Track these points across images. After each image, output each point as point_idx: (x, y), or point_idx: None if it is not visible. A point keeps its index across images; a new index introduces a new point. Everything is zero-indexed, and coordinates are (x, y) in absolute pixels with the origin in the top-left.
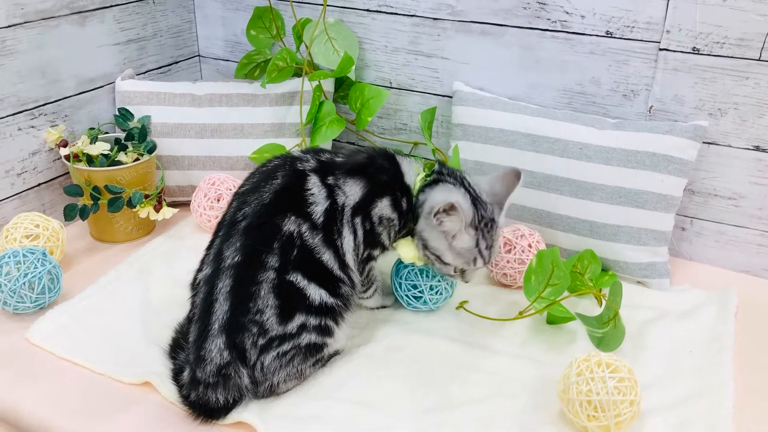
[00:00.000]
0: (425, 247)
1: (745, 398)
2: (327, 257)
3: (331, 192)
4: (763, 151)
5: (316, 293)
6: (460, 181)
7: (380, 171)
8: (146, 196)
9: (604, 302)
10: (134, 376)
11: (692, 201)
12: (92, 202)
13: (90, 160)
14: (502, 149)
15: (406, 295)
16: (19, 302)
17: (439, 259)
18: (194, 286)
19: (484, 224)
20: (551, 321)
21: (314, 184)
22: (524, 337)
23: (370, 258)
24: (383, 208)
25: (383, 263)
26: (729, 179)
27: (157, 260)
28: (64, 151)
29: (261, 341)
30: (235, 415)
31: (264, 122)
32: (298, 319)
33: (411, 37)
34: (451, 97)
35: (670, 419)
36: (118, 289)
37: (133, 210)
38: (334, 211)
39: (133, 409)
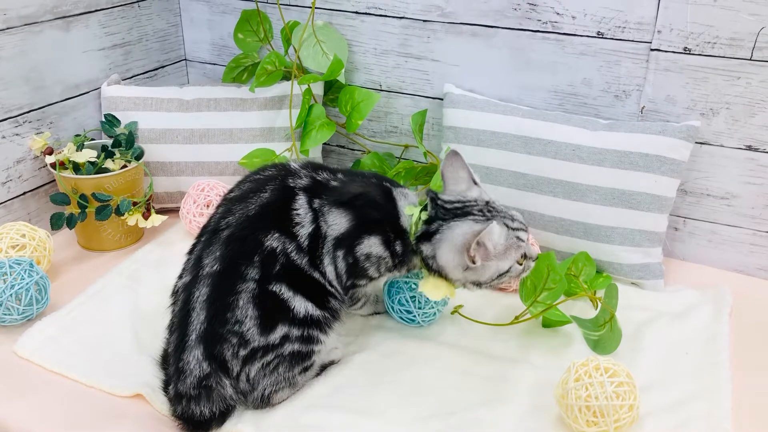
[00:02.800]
0: (478, 285)
1: (742, 399)
2: (317, 276)
3: (316, 216)
4: (755, 150)
5: (302, 306)
6: (444, 213)
7: (370, 206)
8: (134, 204)
9: (599, 305)
10: (125, 389)
11: (685, 201)
12: (79, 211)
13: (76, 167)
14: (494, 151)
15: (400, 317)
16: (5, 314)
17: (501, 276)
18: (174, 293)
19: (491, 215)
20: (547, 324)
21: (301, 205)
22: (520, 341)
23: (355, 286)
24: (372, 246)
25: None
26: (721, 179)
27: (147, 268)
28: (50, 159)
29: (242, 352)
30: (229, 426)
31: (253, 127)
32: (281, 330)
33: (401, 39)
34: (441, 99)
35: (668, 422)
36: (108, 299)
37: (122, 218)
38: (317, 238)
39: (124, 423)
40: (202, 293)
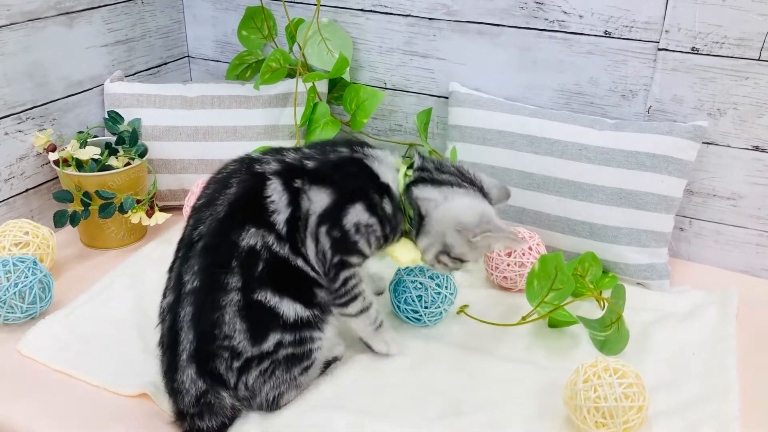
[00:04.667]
0: (446, 253)
1: (750, 400)
2: (301, 263)
3: (294, 197)
4: (762, 151)
5: (291, 309)
6: (470, 181)
7: (348, 177)
8: (138, 201)
9: (605, 305)
10: (130, 388)
11: (691, 201)
12: (83, 208)
13: (80, 164)
14: (500, 150)
15: (406, 317)
16: (9, 313)
17: (458, 261)
18: (160, 314)
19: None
20: (553, 324)
21: (275, 189)
22: (527, 342)
23: (345, 264)
24: (358, 214)
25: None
26: (728, 179)
27: (150, 266)
28: (52, 156)
29: (236, 364)
30: (235, 428)
31: (257, 124)
32: (273, 338)
33: (406, 37)
34: (447, 98)
35: (677, 423)
36: (112, 297)
37: (125, 215)
38: (296, 219)
39: (129, 422)
40: (186, 312)
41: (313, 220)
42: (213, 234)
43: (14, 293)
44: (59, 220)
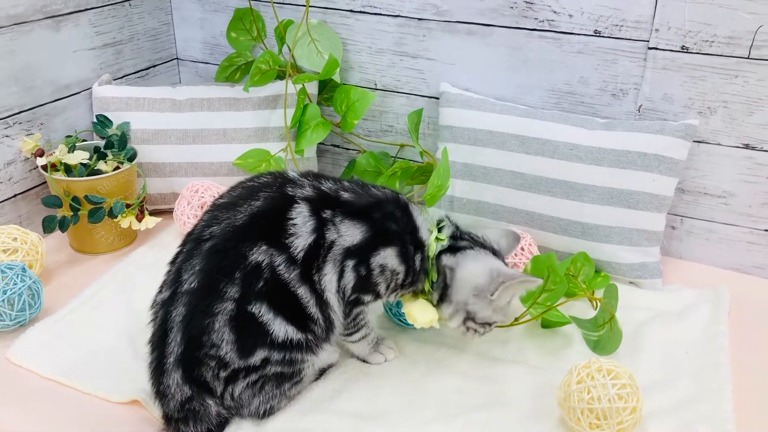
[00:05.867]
0: (472, 320)
1: (743, 399)
2: (302, 292)
3: (321, 226)
4: (753, 149)
5: (281, 329)
6: (480, 244)
7: (388, 218)
8: (128, 206)
9: (597, 305)
10: (121, 394)
11: (682, 199)
12: (72, 213)
13: (68, 169)
14: (491, 151)
15: (399, 320)
16: None
17: (486, 325)
18: (152, 307)
19: None
20: (546, 325)
21: (300, 213)
22: (520, 342)
23: (359, 302)
24: (388, 257)
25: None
26: (719, 177)
27: (141, 271)
28: (40, 161)
29: (223, 373)
30: None
31: (247, 127)
32: (261, 354)
33: (396, 37)
34: (437, 98)
35: (671, 423)
36: (102, 303)
37: (115, 220)
38: (319, 247)
39: (121, 429)
40: (178, 312)
41: (338, 251)
42: (225, 239)
43: (3, 300)
44: (48, 226)
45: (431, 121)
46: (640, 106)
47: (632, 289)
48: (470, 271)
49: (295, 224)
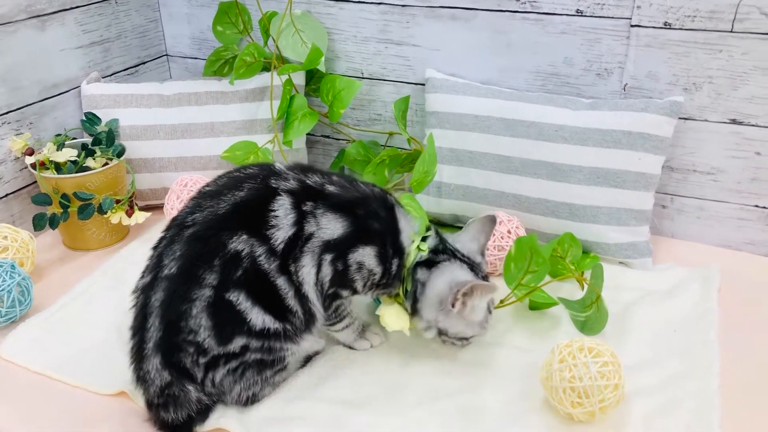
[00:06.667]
0: (444, 334)
1: (731, 376)
2: (281, 283)
3: (301, 219)
4: (740, 123)
5: (259, 318)
6: (452, 254)
7: (372, 216)
8: (117, 201)
9: (585, 286)
10: (110, 387)
11: (672, 178)
12: (62, 211)
13: (58, 167)
14: (477, 135)
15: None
16: None
17: (462, 339)
18: (134, 292)
19: None
20: (534, 307)
21: (282, 205)
22: (507, 325)
23: (337, 296)
24: (366, 256)
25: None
26: (707, 154)
27: (132, 266)
28: (30, 160)
29: (203, 360)
30: (212, 422)
31: (235, 119)
32: (239, 341)
33: (380, 25)
34: (423, 84)
35: (657, 400)
36: (93, 298)
37: (105, 216)
38: (296, 240)
39: (110, 421)
40: (158, 297)
41: (317, 244)
42: (206, 226)
43: None
44: (38, 223)
45: (419, 108)
46: (625, 85)
47: (622, 269)
48: (437, 287)
49: (276, 216)
